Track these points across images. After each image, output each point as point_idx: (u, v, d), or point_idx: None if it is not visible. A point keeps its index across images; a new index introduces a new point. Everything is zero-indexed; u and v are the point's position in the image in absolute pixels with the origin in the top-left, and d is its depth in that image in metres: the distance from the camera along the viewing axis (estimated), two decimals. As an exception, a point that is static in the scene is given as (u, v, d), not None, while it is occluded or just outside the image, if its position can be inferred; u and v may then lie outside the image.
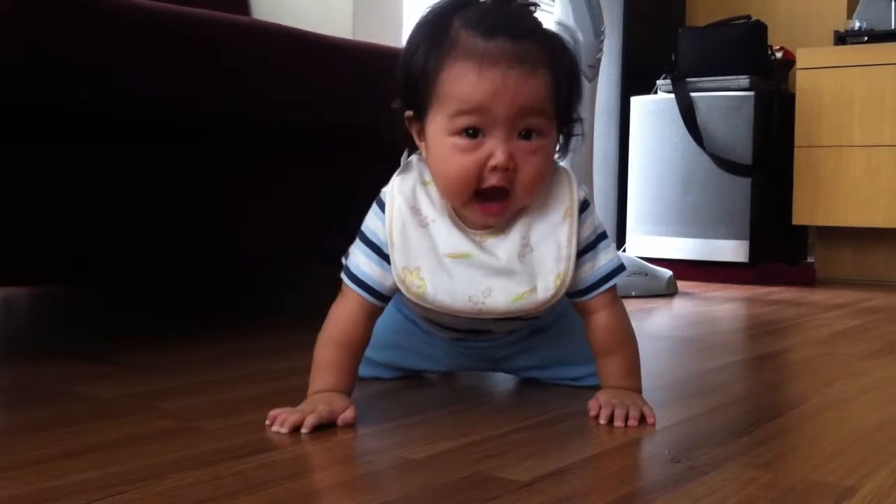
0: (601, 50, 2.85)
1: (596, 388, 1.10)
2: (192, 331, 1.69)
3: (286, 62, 1.54)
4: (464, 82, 0.94)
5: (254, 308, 2.15)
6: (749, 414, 1.14)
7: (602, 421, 1.02)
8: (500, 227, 1.02)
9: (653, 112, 3.28)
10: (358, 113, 1.66)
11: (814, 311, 2.30)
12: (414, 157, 1.05)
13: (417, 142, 1.03)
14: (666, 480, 0.83)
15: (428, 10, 1.01)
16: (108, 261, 1.44)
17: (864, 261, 3.29)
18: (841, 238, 3.31)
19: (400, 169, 1.05)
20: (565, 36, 1.02)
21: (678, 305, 2.42)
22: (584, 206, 1.06)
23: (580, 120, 1.05)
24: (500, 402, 1.15)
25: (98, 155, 1.39)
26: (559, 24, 2.34)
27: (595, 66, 2.83)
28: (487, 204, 0.98)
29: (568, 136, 1.04)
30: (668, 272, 2.70)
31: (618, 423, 1.01)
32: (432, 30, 0.98)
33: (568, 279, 1.03)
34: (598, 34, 2.82)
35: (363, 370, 1.16)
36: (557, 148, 1.04)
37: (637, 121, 3.32)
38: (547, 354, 1.22)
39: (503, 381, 1.26)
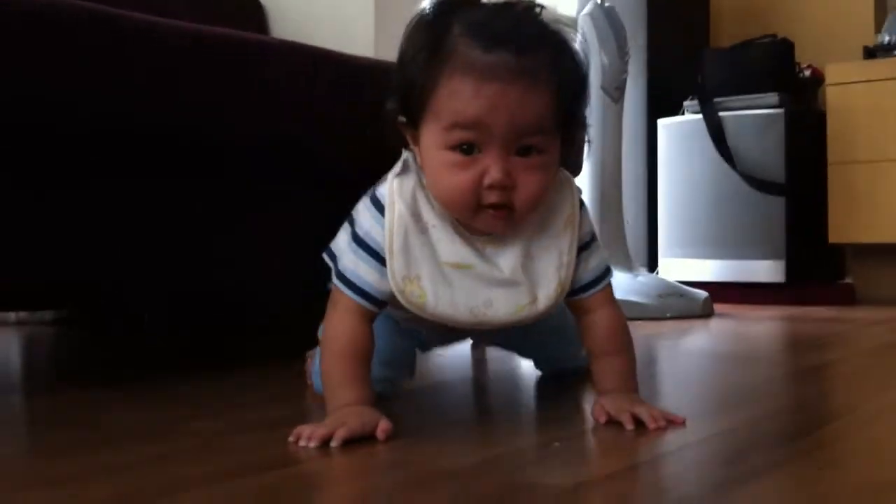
0: (626, 71, 2.81)
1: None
2: (214, 356, 1.65)
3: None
4: (460, 98, 0.89)
5: (273, 328, 2.11)
6: (804, 420, 1.08)
7: (602, 420, 0.98)
8: (502, 235, 0.98)
9: (681, 134, 3.23)
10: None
11: (858, 327, 2.22)
12: (410, 157, 0.99)
13: (412, 146, 0.98)
14: (725, 482, 0.77)
15: (427, 8, 0.95)
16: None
17: (904, 278, 3.20)
18: (879, 255, 3.23)
19: (398, 169, 0.99)
20: (575, 42, 0.95)
21: (716, 325, 2.35)
22: (580, 205, 1.03)
23: (586, 126, 1.00)
24: (531, 414, 1.09)
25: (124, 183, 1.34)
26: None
27: (621, 88, 2.79)
28: (494, 212, 0.93)
29: (572, 143, 0.99)
30: (703, 293, 2.63)
31: (629, 426, 0.95)
32: (431, 34, 0.92)
33: (567, 286, 1.01)
34: (623, 55, 2.78)
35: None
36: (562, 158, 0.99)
37: (665, 143, 3.28)
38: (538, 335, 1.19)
39: (530, 394, 1.21)
